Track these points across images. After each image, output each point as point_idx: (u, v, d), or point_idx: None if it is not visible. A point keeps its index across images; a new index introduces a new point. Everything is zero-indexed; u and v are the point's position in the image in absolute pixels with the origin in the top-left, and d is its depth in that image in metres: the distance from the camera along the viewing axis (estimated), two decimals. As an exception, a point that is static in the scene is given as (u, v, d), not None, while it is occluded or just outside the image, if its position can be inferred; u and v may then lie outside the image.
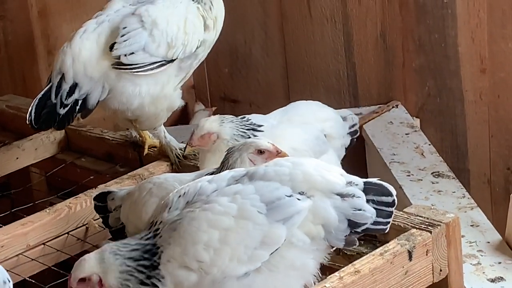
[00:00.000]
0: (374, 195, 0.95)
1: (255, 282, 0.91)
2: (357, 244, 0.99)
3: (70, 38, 1.37)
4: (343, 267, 1.05)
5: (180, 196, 0.96)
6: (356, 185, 0.94)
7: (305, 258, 0.93)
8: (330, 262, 1.03)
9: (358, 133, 1.58)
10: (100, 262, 0.97)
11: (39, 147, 1.54)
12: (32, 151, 1.54)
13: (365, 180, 0.97)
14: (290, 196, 0.91)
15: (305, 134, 1.42)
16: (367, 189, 0.94)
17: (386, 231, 0.98)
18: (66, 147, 1.60)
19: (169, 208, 0.96)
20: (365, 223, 0.92)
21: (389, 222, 0.96)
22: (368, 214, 0.91)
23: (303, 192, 0.93)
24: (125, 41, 1.32)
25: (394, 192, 0.99)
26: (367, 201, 0.93)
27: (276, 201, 0.92)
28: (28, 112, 1.30)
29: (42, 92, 1.33)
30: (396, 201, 0.97)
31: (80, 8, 1.99)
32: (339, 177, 0.96)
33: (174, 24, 1.36)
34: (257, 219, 0.91)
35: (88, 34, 1.36)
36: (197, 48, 1.39)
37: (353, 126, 1.52)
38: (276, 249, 0.89)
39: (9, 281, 0.86)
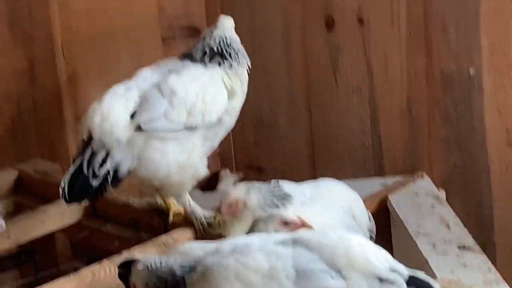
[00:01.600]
0: None
1: None
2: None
3: (99, 98, 1.40)
4: None
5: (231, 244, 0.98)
6: (400, 274, 0.91)
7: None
8: None
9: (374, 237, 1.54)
10: None
11: (65, 212, 1.53)
12: (57, 216, 1.54)
13: (411, 271, 0.94)
14: (324, 272, 0.89)
15: (336, 210, 1.39)
16: (411, 281, 0.91)
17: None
18: (92, 213, 1.60)
19: (216, 251, 0.97)
20: None
21: None
22: None
23: (340, 271, 0.91)
24: (145, 109, 1.36)
25: None
26: None
27: (308, 272, 0.90)
28: (61, 186, 1.30)
29: (74, 165, 1.34)
30: None
31: (109, 74, 2.04)
32: (383, 261, 0.93)
33: (193, 93, 1.40)
34: (282, 283, 0.89)
35: (117, 96, 1.40)
36: (219, 118, 1.43)
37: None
38: None
39: None
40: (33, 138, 1.99)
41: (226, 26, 1.50)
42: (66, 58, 2.01)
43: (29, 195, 1.72)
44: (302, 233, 1.03)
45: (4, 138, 1.93)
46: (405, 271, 0.92)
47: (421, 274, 0.96)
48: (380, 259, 0.93)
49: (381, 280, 0.89)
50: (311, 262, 0.91)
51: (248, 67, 1.49)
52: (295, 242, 0.96)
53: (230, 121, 1.47)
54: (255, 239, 1.00)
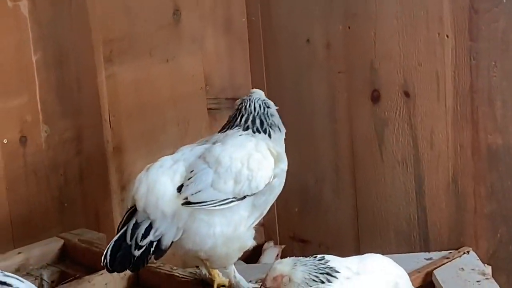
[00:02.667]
0: None
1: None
2: None
3: (146, 169, 1.42)
4: None
5: None
6: None
7: None
8: None
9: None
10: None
11: (109, 282, 1.53)
12: (102, 286, 1.54)
13: None
14: None
15: (382, 286, 1.36)
16: None
17: None
18: (136, 283, 1.59)
19: None
20: None
21: None
22: None
23: None
24: (192, 182, 1.37)
25: None
26: None
27: None
28: (103, 255, 1.31)
29: (117, 234, 1.35)
30: None
31: (154, 145, 2.09)
32: None
33: (238, 161, 1.41)
34: None
35: (164, 169, 1.41)
36: (268, 184, 1.42)
37: None
38: None
39: None
40: (79, 207, 2.01)
41: (261, 95, 1.56)
42: (113, 128, 2.07)
43: (74, 264, 1.73)
44: None
45: (50, 206, 1.96)
46: None
47: None
48: None
49: None
50: None
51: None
52: None
53: (280, 185, 1.47)
54: None
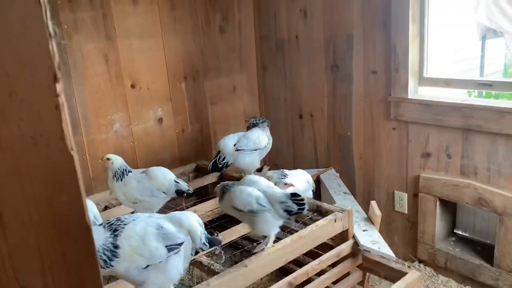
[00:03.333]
0: None
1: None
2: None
3: (224, 138, 3.69)
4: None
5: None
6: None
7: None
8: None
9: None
10: None
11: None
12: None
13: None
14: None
15: (302, 180, 3.52)
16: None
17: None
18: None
19: None
20: None
21: None
22: None
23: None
24: (240, 142, 3.57)
25: None
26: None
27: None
28: (209, 167, 3.60)
29: (213, 160, 3.63)
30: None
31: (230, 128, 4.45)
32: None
33: (256, 136, 3.56)
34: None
35: (230, 137, 3.63)
36: (264, 147, 3.62)
37: None
38: None
39: None
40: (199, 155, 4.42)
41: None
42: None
43: (200, 173, 4.12)
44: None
45: (192, 152, 4.39)
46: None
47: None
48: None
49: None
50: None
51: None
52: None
53: (268, 148, 3.68)
54: None
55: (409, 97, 3.41)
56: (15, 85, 0.53)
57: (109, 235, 1.90)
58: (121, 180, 2.93)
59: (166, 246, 1.97)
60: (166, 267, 1.99)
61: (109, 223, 1.97)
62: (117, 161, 2.98)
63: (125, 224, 1.96)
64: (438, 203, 3.44)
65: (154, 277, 1.98)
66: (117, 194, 2.95)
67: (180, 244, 2.01)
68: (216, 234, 2.30)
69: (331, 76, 3.95)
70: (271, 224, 2.58)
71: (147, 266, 1.94)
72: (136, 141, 3.96)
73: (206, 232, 2.17)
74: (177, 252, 2.01)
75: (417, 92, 3.46)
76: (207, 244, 2.14)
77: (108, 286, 2.37)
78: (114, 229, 1.92)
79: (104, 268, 1.84)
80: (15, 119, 0.55)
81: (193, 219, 2.11)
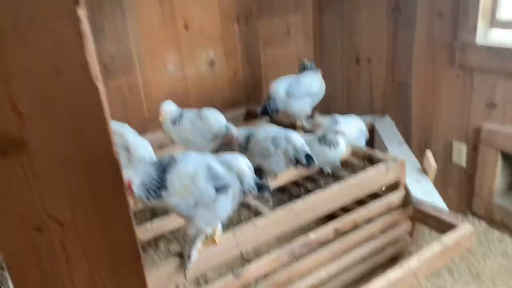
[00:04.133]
0: None
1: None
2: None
3: (275, 81, 3.58)
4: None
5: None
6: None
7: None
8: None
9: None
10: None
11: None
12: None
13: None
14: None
15: (355, 127, 3.40)
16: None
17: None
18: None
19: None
20: None
21: None
22: None
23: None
24: (291, 87, 3.48)
25: None
26: None
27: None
28: (259, 112, 3.54)
29: (263, 105, 3.56)
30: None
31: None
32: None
33: (307, 80, 3.47)
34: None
35: (281, 81, 3.53)
36: (316, 92, 3.51)
37: None
38: None
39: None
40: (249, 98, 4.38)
41: None
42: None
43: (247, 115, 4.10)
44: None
45: (237, 96, 4.36)
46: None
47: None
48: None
49: None
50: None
51: None
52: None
53: (320, 94, 3.55)
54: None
55: (477, 41, 3.14)
56: (36, 10, 0.50)
57: (160, 171, 1.94)
58: (176, 124, 2.97)
59: (215, 187, 1.99)
60: (214, 206, 2.03)
61: (162, 159, 2.01)
62: (172, 110, 3.01)
63: (176, 162, 1.99)
64: (499, 156, 3.24)
65: (202, 214, 2.02)
66: (171, 133, 3.02)
67: (229, 186, 2.03)
68: (265, 179, 2.30)
69: (392, 19, 3.71)
70: (281, 166, 2.71)
71: (196, 203, 1.99)
72: (189, 83, 3.97)
73: (255, 177, 2.17)
74: (225, 193, 2.03)
75: (486, 36, 3.18)
76: (255, 188, 2.14)
77: (159, 219, 2.47)
78: (165, 165, 1.96)
79: (154, 197, 1.90)
80: (37, 46, 0.53)
81: (242, 163, 2.11)
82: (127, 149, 2.61)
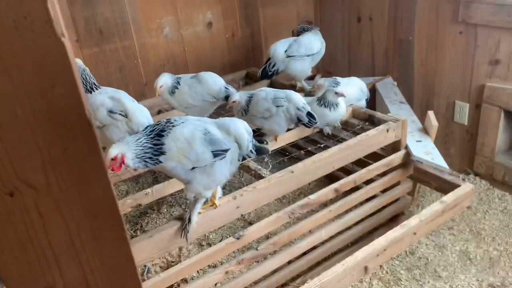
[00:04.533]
0: None
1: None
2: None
3: (275, 43, 3.48)
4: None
5: None
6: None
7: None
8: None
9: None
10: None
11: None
12: None
13: None
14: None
15: (355, 88, 3.32)
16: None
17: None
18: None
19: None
20: None
21: None
22: None
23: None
24: (291, 48, 3.38)
25: None
26: None
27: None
28: (259, 74, 3.47)
29: (262, 67, 3.46)
30: None
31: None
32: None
33: (307, 40, 3.35)
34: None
35: (280, 43, 3.40)
36: (317, 52, 3.42)
37: None
38: None
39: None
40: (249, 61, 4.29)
41: None
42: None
43: (247, 78, 4.04)
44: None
45: (243, 58, 4.27)
46: None
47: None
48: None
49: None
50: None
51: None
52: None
53: (320, 54, 3.45)
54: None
55: (481, -5, 3.04)
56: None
57: (156, 136, 1.92)
58: (175, 92, 2.93)
59: (212, 151, 1.97)
60: (211, 170, 2.01)
61: (159, 123, 1.99)
62: (168, 82, 2.95)
63: (173, 126, 1.97)
64: (502, 114, 3.19)
65: (200, 178, 2.01)
66: (171, 101, 2.97)
67: (226, 151, 2.01)
68: (265, 143, 2.27)
69: (394, -27, 3.58)
70: (282, 126, 2.73)
71: (193, 168, 1.97)
72: (186, 46, 3.89)
73: (254, 140, 2.15)
74: (222, 158, 2.01)
75: (491, -11, 3.07)
76: (254, 152, 2.12)
77: (160, 184, 2.48)
78: (162, 129, 1.94)
79: (152, 164, 1.89)
80: (-7, -1, 0.49)
81: (240, 126, 2.08)
82: (126, 115, 2.58)
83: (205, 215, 2.21)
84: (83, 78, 2.61)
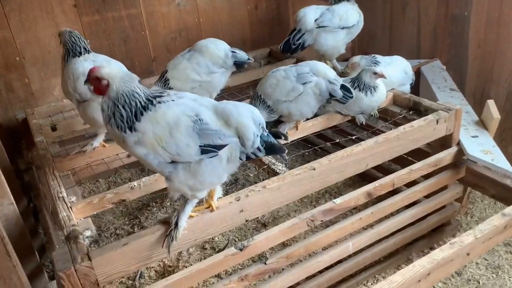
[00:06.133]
0: None
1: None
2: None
3: (304, 8, 2.84)
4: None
5: None
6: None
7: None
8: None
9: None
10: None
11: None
12: None
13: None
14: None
15: (398, 69, 2.68)
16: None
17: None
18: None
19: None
20: None
21: None
22: None
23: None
24: (322, 17, 2.78)
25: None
26: None
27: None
28: (280, 47, 2.85)
29: (286, 39, 2.85)
30: None
31: None
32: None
33: (343, 10, 2.77)
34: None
35: (311, 8, 2.81)
36: (353, 25, 2.82)
37: None
38: None
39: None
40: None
41: None
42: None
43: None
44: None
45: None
46: None
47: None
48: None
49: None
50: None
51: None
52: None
53: (358, 28, 2.86)
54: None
55: None
56: None
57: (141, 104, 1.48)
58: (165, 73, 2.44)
59: (200, 146, 1.48)
60: (198, 169, 1.53)
61: (152, 91, 1.55)
62: None
63: (158, 103, 1.48)
64: None
65: (183, 177, 1.54)
66: (172, 84, 2.46)
67: (220, 147, 1.50)
68: (283, 138, 1.69)
69: None
70: (311, 106, 2.28)
71: (172, 161, 1.50)
72: (202, 17, 3.40)
73: (266, 133, 1.60)
74: (213, 157, 1.51)
75: None
76: (262, 149, 1.59)
77: (152, 177, 2.02)
78: (143, 106, 1.46)
79: (118, 123, 1.48)
80: None
81: (245, 116, 1.55)
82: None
83: (198, 219, 1.73)
84: (71, 41, 2.16)
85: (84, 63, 2.12)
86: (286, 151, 1.63)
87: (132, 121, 1.45)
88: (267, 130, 1.60)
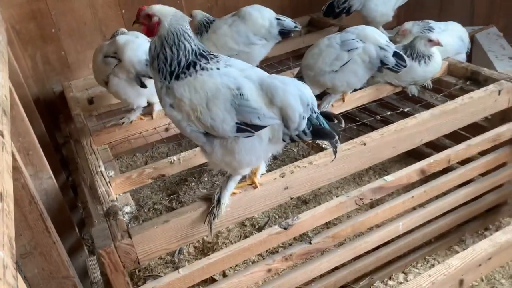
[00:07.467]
0: None
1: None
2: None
3: None
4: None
5: None
6: None
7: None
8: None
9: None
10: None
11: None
12: None
13: None
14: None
15: (454, 36, 2.47)
16: None
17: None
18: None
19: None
20: None
21: None
22: None
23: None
24: None
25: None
26: None
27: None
28: (323, 9, 2.72)
29: (330, 1, 2.70)
30: None
31: None
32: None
33: None
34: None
35: None
36: None
37: None
38: None
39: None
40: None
41: None
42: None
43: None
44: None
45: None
46: None
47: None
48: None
49: None
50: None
51: None
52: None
53: None
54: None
55: None
56: None
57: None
58: (206, 32, 2.31)
59: (237, 123, 1.36)
60: (235, 147, 1.41)
61: (207, 50, 1.45)
62: (198, 16, 2.35)
63: (201, 69, 1.37)
64: None
65: (219, 153, 1.45)
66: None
67: (258, 128, 1.38)
68: (336, 121, 1.49)
69: None
70: (359, 76, 2.10)
71: (207, 133, 1.41)
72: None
73: (316, 115, 1.43)
74: (249, 137, 1.39)
75: None
76: (308, 133, 1.42)
77: (191, 151, 1.93)
78: (193, 60, 1.39)
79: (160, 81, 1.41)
80: None
81: (293, 95, 1.37)
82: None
83: (241, 196, 1.63)
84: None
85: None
86: (337, 138, 1.46)
87: (176, 68, 1.37)
88: (317, 112, 1.44)
